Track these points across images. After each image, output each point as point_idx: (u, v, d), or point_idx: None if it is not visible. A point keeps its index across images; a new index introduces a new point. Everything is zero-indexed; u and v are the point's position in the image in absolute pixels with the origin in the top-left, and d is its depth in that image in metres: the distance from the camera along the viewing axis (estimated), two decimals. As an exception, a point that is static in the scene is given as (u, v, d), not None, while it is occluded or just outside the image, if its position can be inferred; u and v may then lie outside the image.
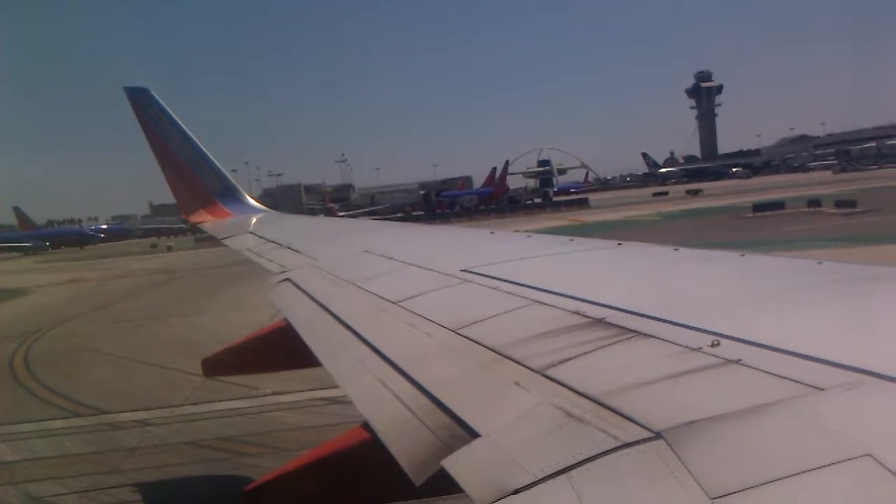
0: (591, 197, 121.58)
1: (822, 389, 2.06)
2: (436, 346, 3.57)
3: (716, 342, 2.60)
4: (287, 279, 6.93)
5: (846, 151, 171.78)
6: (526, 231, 9.46)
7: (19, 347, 25.90)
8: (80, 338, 27.46)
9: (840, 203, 54.70)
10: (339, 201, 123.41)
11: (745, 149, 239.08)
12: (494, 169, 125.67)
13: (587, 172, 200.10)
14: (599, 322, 3.19)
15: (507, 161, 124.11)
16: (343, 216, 74.95)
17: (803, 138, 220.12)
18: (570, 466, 2.00)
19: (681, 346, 2.68)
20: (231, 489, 10.88)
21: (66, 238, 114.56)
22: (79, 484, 12.40)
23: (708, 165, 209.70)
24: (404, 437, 2.76)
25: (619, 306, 3.31)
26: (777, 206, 59.14)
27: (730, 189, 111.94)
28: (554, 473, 2.00)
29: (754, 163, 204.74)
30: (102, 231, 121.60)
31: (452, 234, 10.28)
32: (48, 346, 26.31)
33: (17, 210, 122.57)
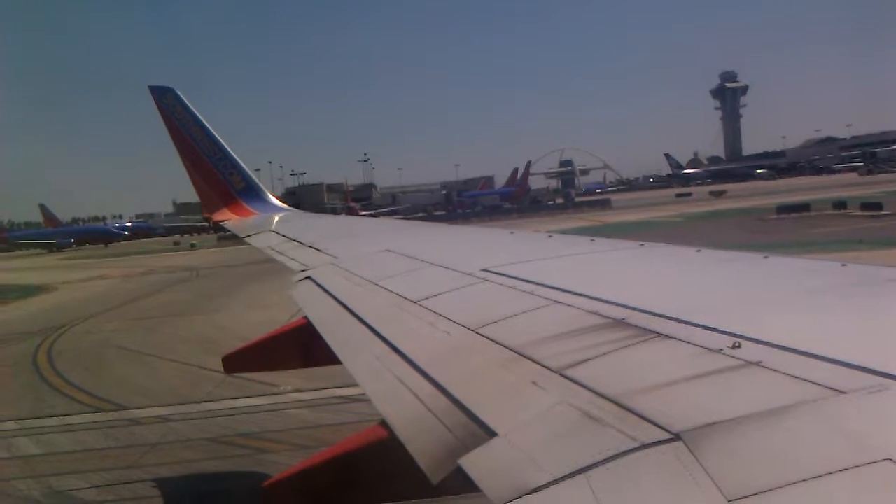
0: (613, 198, 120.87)
1: (844, 393, 2.04)
2: (455, 346, 3.57)
3: (736, 344, 2.57)
4: (308, 277, 6.97)
5: (872, 153, 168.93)
6: (547, 231, 9.44)
7: (43, 343, 26.28)
8: (103, 334, 27.81)
9: (866, 205, 53.95)
10: (360, 201, 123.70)
11: (770, 150, 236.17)
12: (517, 169, 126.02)
13: (605, 174, 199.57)
14: (619, 323, 3.17)
15: (529, 161, 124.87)
16: (365, 215, 75.20)
17: (829, 140, 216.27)
18: (588, 467, 2.00)
19: (701, 347, 2.66)
20: (250, 485, 10.95)
21: (91, 235, 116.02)
22: (99, 478, 12.56)
23: (732, 167, 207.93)
24: (422, 436, 2.76)
25: (640, 307, 3.30)
26: (802, 207, 58.46)
27: (754, 190, 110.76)
28: (571, 474, 2.00)
29: (779, 164, 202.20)
30: (127, 229, 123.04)
31: (473, 234, 10.28)
32: (72, 342, 26.67)
33: (42, 207, 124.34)
